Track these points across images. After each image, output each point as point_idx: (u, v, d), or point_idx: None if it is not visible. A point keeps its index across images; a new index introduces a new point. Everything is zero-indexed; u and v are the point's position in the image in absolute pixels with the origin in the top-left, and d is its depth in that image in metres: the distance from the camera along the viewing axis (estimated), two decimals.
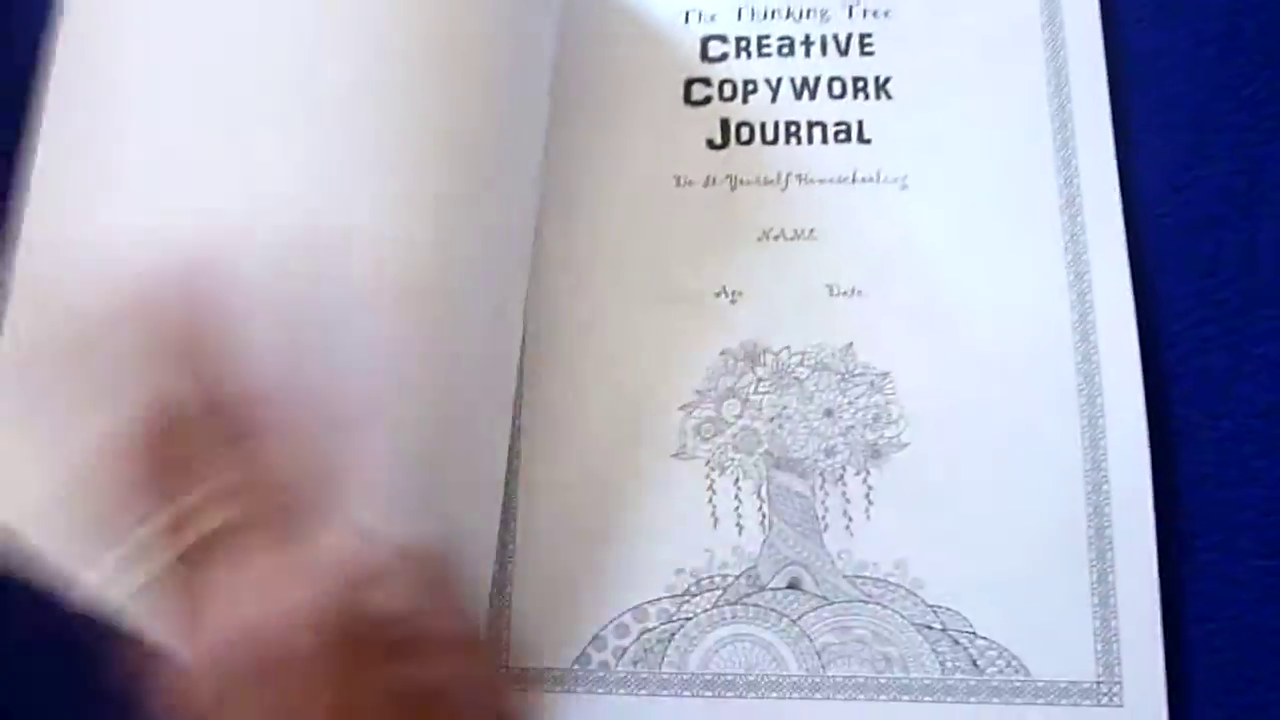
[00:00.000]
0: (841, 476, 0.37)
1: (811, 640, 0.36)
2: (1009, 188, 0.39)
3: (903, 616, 0.36)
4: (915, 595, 0.36)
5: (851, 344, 0.38)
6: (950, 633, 0.36)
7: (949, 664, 0.35)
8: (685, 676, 0.36)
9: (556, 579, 0.37)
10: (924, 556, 0.36)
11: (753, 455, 0.38)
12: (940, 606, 0.36)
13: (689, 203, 0.40)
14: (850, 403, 0.38)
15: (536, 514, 0.38)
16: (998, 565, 0.36)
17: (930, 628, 0.36)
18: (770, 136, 0.41)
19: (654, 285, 0.39)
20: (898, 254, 0.39)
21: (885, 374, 0.38)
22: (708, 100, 0.41)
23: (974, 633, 0.36)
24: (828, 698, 0.36)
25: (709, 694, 0.36)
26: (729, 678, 0.36)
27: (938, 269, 0.39)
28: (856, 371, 0.38)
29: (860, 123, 0.41)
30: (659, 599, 0.37)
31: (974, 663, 0.35)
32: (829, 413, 0.38)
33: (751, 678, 0.36)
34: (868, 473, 0.37)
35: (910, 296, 0.39)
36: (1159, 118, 0.40)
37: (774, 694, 0.36)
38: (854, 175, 0.40)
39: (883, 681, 0.35)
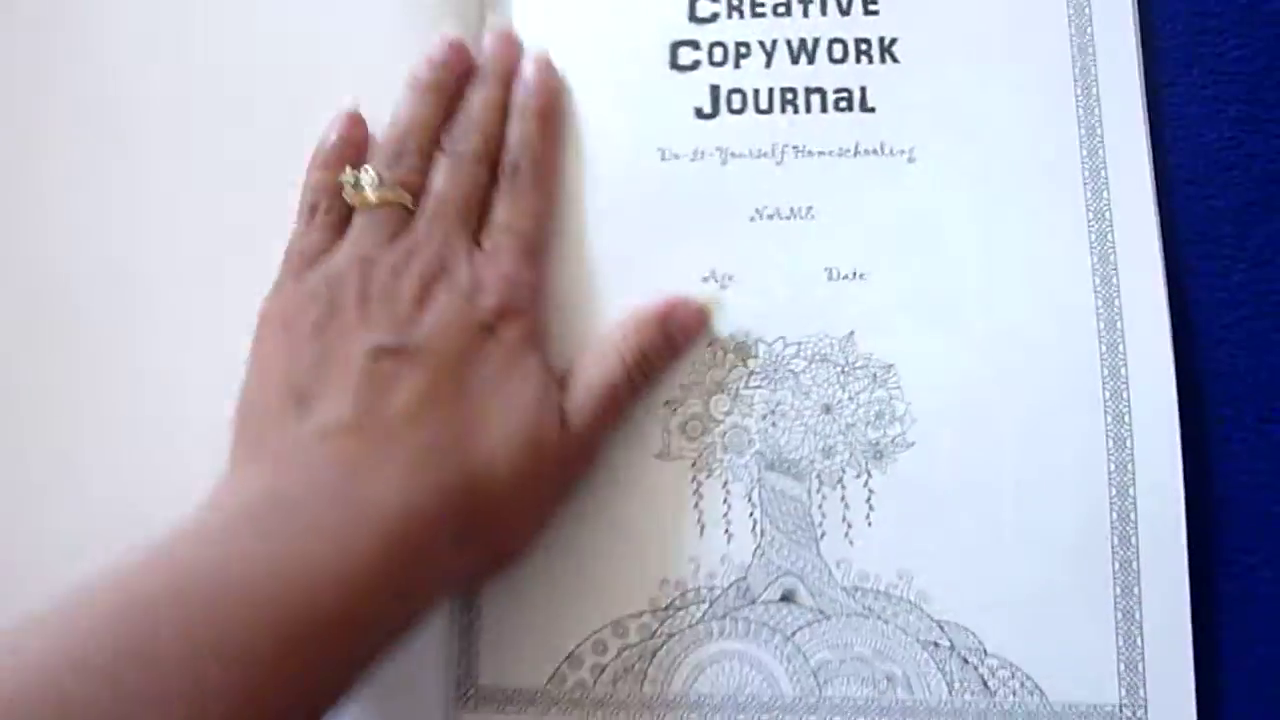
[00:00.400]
0: (840, 479, 0.34)
1: (807, 658, 0.33)
2: (1026, 161, 0.36)
3: (906, 633, 0.33)
4: (920, 609, 0.33)
5: (853, 333, 0.35)
6: (959, 651, 0.33)
7: (957, 685, 0.32)
8: (669, 697, 0.33)
9: (529, 590, 0.34)
10: (930, 567, 0.33)
11: (743, 456, 0.35)
12: (948, 622, 0.33)
13: (674, 178, 0.37)
14: (851, 398, 0.35)
15: None
16: (1011, 577, 0.33)
17: (937, 645, 0.33)
18: (764, 105, 0.37)
19: (635, 270, 0.36)
20: (904, 234, 0.36)
21: (889, 366, 0.35)
22: (696, 65, 0.38)
23: (985, 651, 0.32)
24: None
25: (695, 717, 0.33)
26: (716, 699, 0.33)
27: (948, 251, 0.35)
28: (858, 364, 0.35)
29: (863, 89, 0.37)
30: (640, 613, 0.34)
31: (984, 684, 0.32)
32: (827, 409, 0.35)
33: (741, 699, 0.33)
34: (869, 475, 0.34)
35: (917, 281, 0.35)
36: (1204, 86, 0.36)
37: (765, 716, 0.33)
38: (856, 147, 0.36)
39: (885, 703, 0.32)
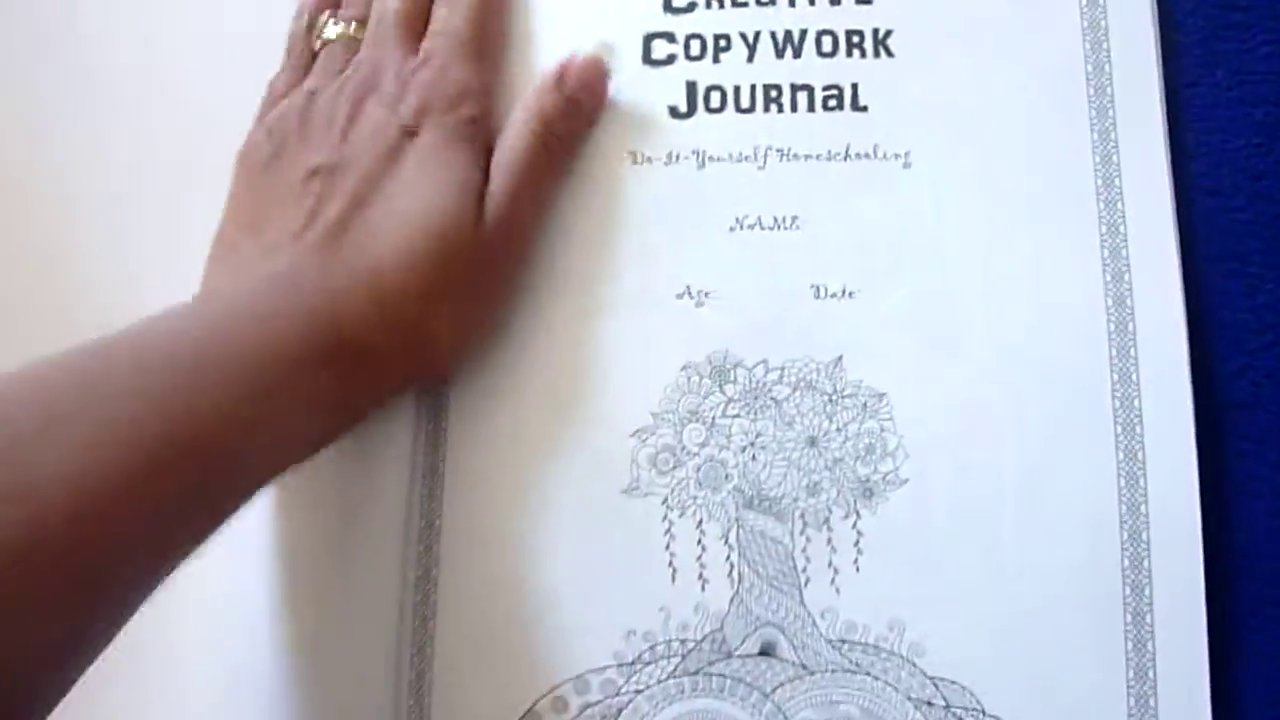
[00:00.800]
0: (827, 520, 0.31)
1: (788, 717, 0.30)
2: (1034, 168, 0.32)
3: (897, 690, 0.30)
4: (913, 664, 0.30)
5: (841, 358, 0.32)
6: (954, 710, 0.30)
7: None
8: None
9: (485, 641, 0.31)
10: (924, 618, 0.30)
11: (719, 492, 0.31)
12: (942, 679, 0.30)
13: (647, 183, 0.33)
14: (839, 430, 0.31)
15: (460, 562, 0.31)
16: (1012, 631, 0.30)
17: (930, 704, 0.30)
18: (746, 103, 0.34)
19: (602, 285, 0.33)
20: (898, 248, 0.32)
21: (881, 395, 0.31)
22: (671, 59, 0.34)
23: (982, 711, 0.29)
24: None
25: None
26: None
27: (946, 267, 0.32)
28: (846, 392, 0.32)
29: (854, 86, 0.34)
30: (604, 667, 0.31)
31: None
32: (813, 441, 0.32)
33: None
34: (858, 515, 0.31)
35: (913, 300, 0.32)
36: (1229, 87, 0.33)
37: None
38: (846, 151, 0.33)
39: None
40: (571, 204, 0.33)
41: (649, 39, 0.34)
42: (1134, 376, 0.31)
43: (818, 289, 0.32)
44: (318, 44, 0.35)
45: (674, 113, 0.34)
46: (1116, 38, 0.33)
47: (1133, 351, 0.31)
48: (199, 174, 0.33)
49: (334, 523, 0.32)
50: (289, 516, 0.33)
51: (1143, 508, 0.30)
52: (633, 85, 0.34)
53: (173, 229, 0.34)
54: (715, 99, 0.34)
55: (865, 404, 0.32)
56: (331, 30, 0.34)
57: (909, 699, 0.30)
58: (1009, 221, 0.32)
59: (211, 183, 0.33)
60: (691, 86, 0.34)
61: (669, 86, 0.34)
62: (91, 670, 0.25)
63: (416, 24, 0.34)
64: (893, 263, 0.32)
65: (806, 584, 0.31)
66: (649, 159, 0.34)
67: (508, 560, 0.31)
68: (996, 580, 0.30)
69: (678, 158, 0.34)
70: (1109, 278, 0.32)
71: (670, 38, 0.34)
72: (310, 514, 0.32)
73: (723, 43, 0.34)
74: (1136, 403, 0.31)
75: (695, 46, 0.34)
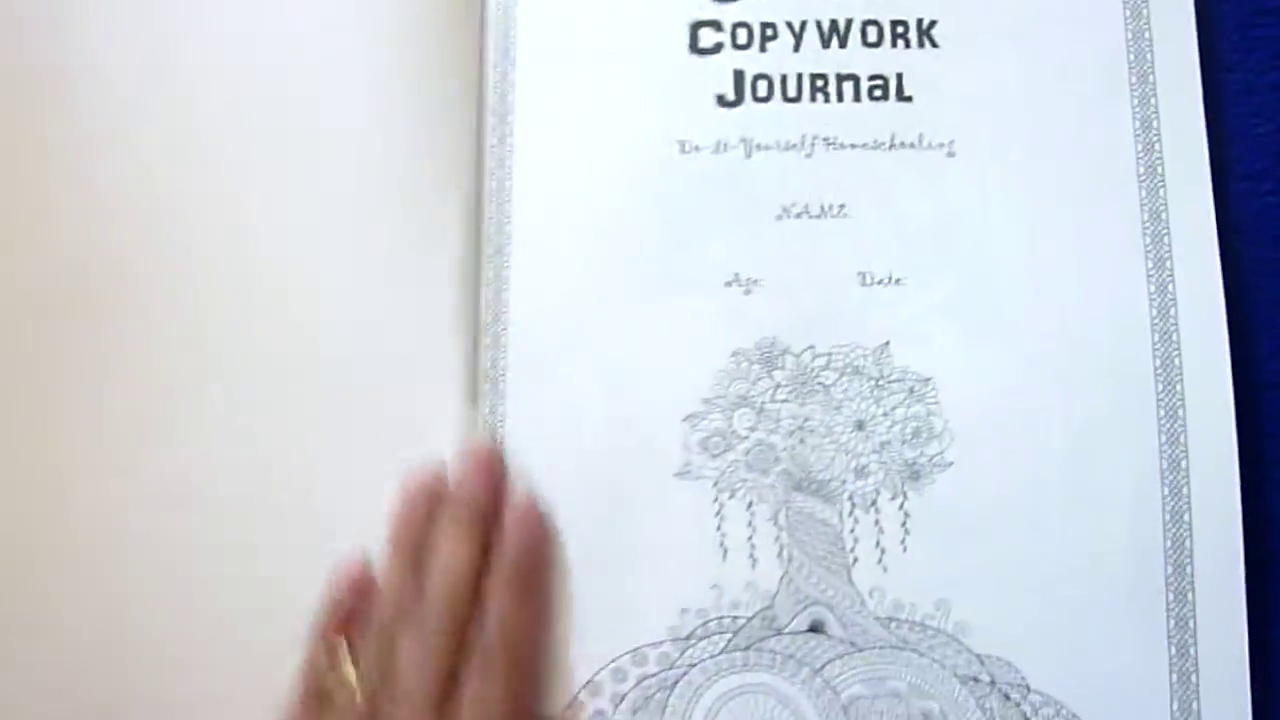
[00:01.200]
0: (874, 501, 0.32)
1: (837, 693, 0.31)
2: (1077, 155, 0.33)
3: (944, 667, 0.31)
4: (959, 642, 0.31)
5: (888, 343, 0.33)
6: (1000, 687, 0.30)
7: None
8: None
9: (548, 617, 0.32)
10: (970, 597, 0.31)
11: (769, 475, 0.32)
12: (988, 655, 0.31)
13: (695, 172, 0.34)
14: (885, 414, 0.32)
15: None
16: (1057, 609, 0.31)
17: (977, 680, 0.31)
18: (792, 92, 0.34)
19: (653, 273, 0.33)
20: (944, 235, 0.33)
21: (927, 380, 0.32)
22: (718, 48, 0.35)
23: (1028, 687, 0.30)
24: None
25: None
26: None
27: (991, 254, 0.33)
28: (893, 376, 0.32)
29: (899, 76, 0.34)
30: (660, 642, 0.32)
31: None
32: (860, 425, 0.32)
33: None
34: (905, 497, 0.32)
35: (958, 287, 0.33)
36: (1264, 71, 0.33)
37: None
38: (892, 140, 0.34)
39: None
40: (622, 193, 0.34)
41: (696, 27, 0.35)
42: (1176, 361, 0.31)
43: (864, 276, 0.33)
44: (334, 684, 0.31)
45: (721, 101, 0.34)
46: (1158, 27, 0.34)
47: (1175, 336, 0.32)
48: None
49: None
50: None
51: (1184, 489, 0.31)
52: (680, 74, 0.35)
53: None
54: (762, 88, 0.34)
55: (912, 388, 0.32)
56: (350, 675, 0.31)
57: (955, 675, 0.31)
58: (1053, 209, 0.33)
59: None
60: (739, 75, 0.34)
61: (716, 75, 0.35)
62: None
63: (443, 688, 0.30)
64: (938, 250, 0.33)
65: (855, 564, 0.32)
66: (697, 148, 0.34)
67: (564, 540, 0.32)
68: (1041, 560, 0.31)
69: (725, 146, 0.34)
70: (1151, 264, 0.32)
71: (717, 26, 0.35)
72: None
73: (769, 32, 0.35)
74: (1179, 387, 0.31)
75: (742, 35, 0.35)
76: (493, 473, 0.32)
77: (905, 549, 0.31)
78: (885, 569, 0.31)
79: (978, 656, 0.31)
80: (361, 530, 0.32)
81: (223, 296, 0.34)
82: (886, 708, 0.31)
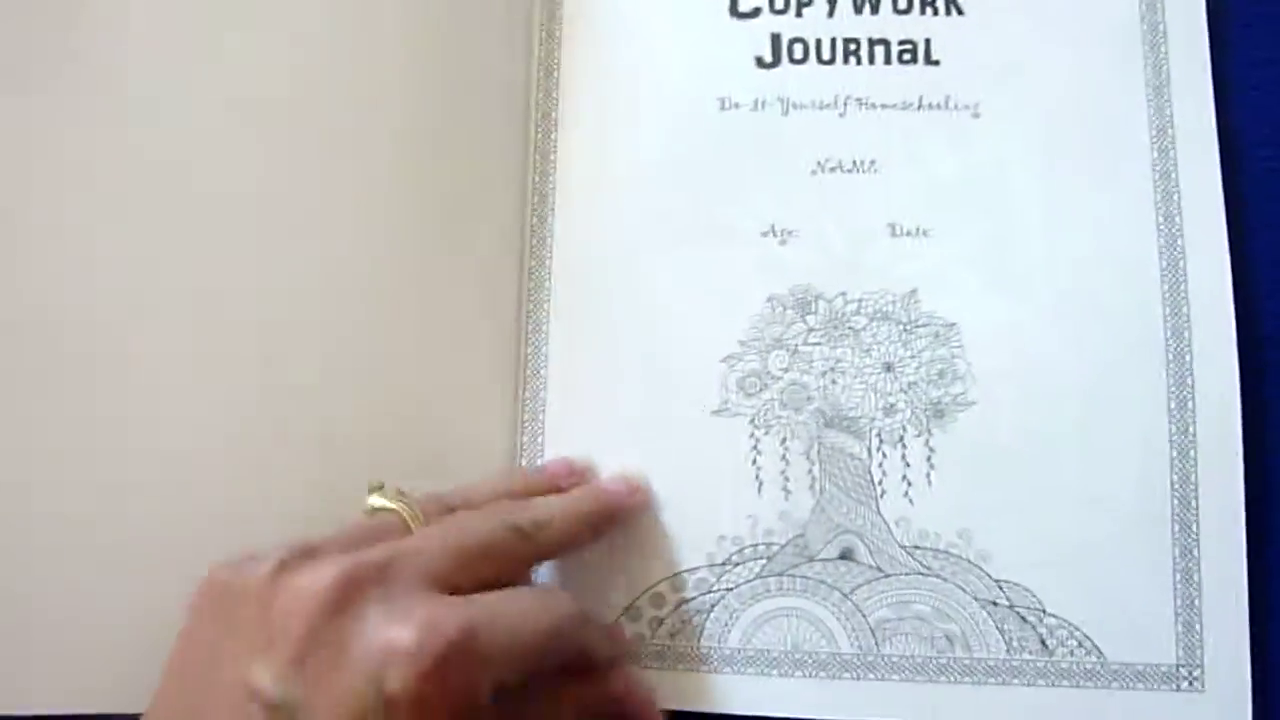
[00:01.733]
0: (901, 438, 0.34)
1: (865, 616, 0.33)
2: (1092, 117, 0.35)
3: (966, 591, 0.33)
4: (980, 569, 0.33)
5: (915, 290, 0.35)
6: (1018, 610, 0.33)
7: (1015, 644, 0.32)
8: (725, 652, 0.33)
9: (588, 546, 0.34)
10: (990, 527, 0.33)
11: (801, 413, 0.34)
12: (1007, 581, 0.33)
13: (734, 129, 0.36)
14: (913, 356, 0.34)
15: None
16: (1071, 538, 0.33)
17: (996, 604, 0.33)
18: (827, 55, 0.36)
19: (694, 222, 0.35)
20: (968, 191, 0.35)
21: (952, 325, 0.34)
22: (757, 12, 0.37)
23: (1043, 610, 0.33)
24: (882, 678, 0.33)
25: (751, 671, 0.33)
26: (774, 655, 0.33)
27: (1012, 208, 0.35)
28: (920, 322, 0.34)
29: (927, 41, 0.36)
30: (697, 568, 0.34)
31: (1043, 643, 0.32)
32: (889, 367, 0.34)
33: (799, 655, 0.33)
34: (930, 434, 0.34)
35: (981, 238, 0.35)
36: (1267, 46, 0.36)
37: (823, 673, 0.33)
38: (920, 101, 0.36)
39: (943, 662, 0.33)
40: (665, 147, 0.36)
41: None
42: (1184, 311, 0.34)
43: (893, 227, 0.35)
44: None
45: (760, 63, 0.36)
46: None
47: (1183, 289, 0.34)
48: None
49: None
50: None
51: (1191, 428, 0.33)
52: (721, 36, 0.37)
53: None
54: (798, 50, 0.36)
55: (938, 333, 0.34)
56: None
57: (976, 599, 0.33)
58: (1070, 168, 0.35)
59: None
60: (776, 39, 0.36)
61: (755, 38, 0.36)
62: None
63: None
64: (963, 204, 0.35)
65: (882, 495, 0.34)
66: (736, 105, 0.36)
67: (606, 473, 0.34)
68: (1057, 494, 0.33)
69: (763, 105, 0.36)
70: (1161, 218, 0.34)
71: None
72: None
73: None
74: (1186, 334, 0.33)
75: (780, 1, 0.37)
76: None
77: (930, 482, 0.33)
78: (911, 501, 0.33)
79: (997, 582, 0.33)
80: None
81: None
82: (912, 630, 0.33)
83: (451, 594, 0.26)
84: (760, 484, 0.34)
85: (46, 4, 0.34)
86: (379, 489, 0.30)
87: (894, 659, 0.33)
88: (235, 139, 0.34)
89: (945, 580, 0.33)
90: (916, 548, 0.33)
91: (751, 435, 0.34)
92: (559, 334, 0.35)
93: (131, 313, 0.33)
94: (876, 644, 0.33)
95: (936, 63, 0.36)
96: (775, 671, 0.33)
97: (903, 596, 0.33)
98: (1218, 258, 0.34)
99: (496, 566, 0.28)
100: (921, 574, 0.33)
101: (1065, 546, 0.33)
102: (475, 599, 0.26)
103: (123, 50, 0.34)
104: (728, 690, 0.33)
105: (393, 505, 0.29)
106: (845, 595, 0.33)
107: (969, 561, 0.33)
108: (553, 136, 0.36)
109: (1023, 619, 0.33)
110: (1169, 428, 0.33)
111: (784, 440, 0.34)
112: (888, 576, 0.33)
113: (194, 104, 0.34)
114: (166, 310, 0.33)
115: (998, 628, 0.33)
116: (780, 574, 0.33)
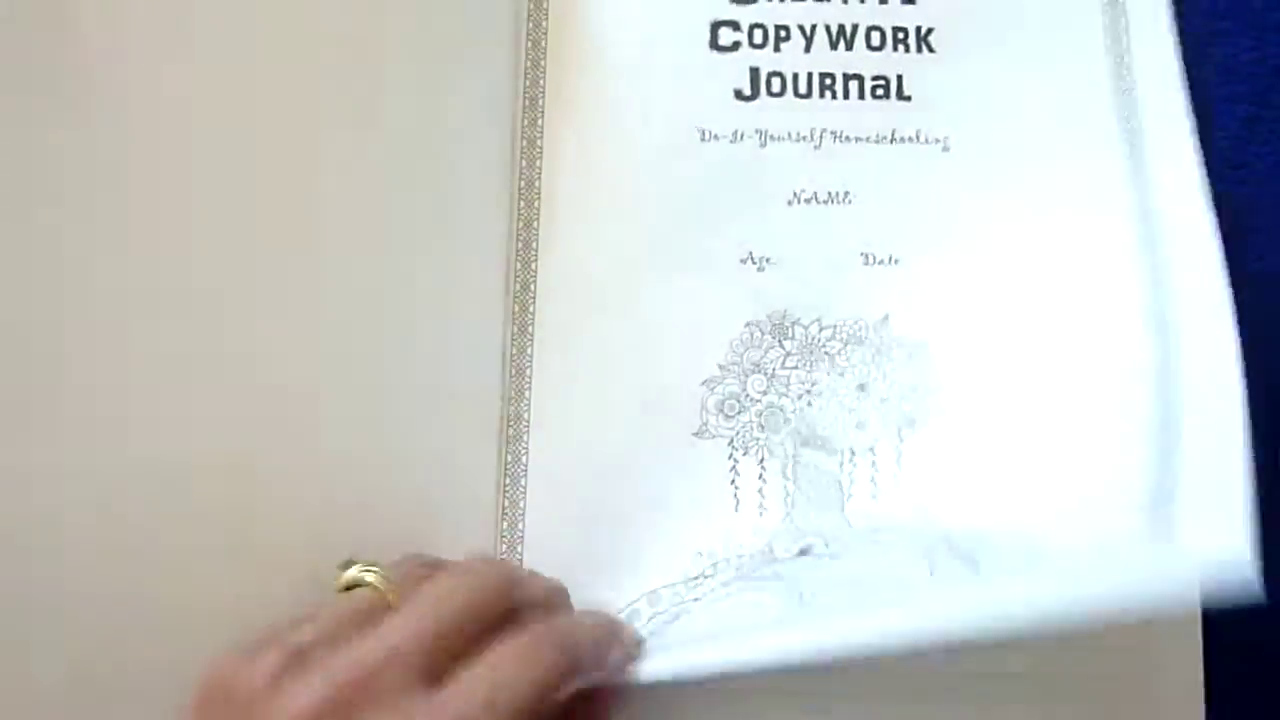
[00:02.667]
0: (872, 447, 0.35)
1: (815, 597, 0.33)
2: (1062, 152, 0.36)
3: (910, 547, 0.33)
4: (929, 522, 0.33)
5: (888, 316, 0.36)
6: (951, 542, 0.33)
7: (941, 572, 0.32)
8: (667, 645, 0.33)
9: (569, 563, 0.35)
10: (950, 505, 0.34)
11: (779, 434, 0.36)
12: (954, 531, 0.33)
13: (714, 159, 0.37)
14: (885, 375, 0.36)
15: (547, 495, 0.35)
16: (1049, 539, 0.33)
17: (934, 548, 0.33)
18: (803, 89, 0.38)
19: (674, 250, 0.37)
20: (938, 220, 0.36)
21: (923, 344, 0.36)
22: (736, 46, 0.38)
23: (986, 539, 0.32)
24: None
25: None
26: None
27: (980, 238, 0.36)
28: (893, 345, 0.36)
29: (900, 77, 0.38)
30: (674, 584, 0.35)
31: (973, 560, 0.32)
32: (863, 387, 0.36)
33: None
34: (900, 439, 0.35)
35: (952, 266, 0.36)
36: (1227, 83, 0.37)
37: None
38: (893, 134, 0.37)
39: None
40: (647, 176, 0.37)
41: (716, 26, 0.38)
42: (1171, 333, 0.32)
43: (867, 256, 0.36)
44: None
45: (739, 95, 0.38)
46: (1136, 34, 0.36)
47: (1168, 317, 0.33)
48: None
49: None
50: None
51: (1177, 419, 0.31)
52: (702, 69, 0.38)
53: None
54: (776, 84, 0.38)
55: (910, 354, 0.36)
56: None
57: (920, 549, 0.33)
58: (1039, 200, 0.36)
59: None
60: (755, 72, 0.38)
61: (734, 71, 0.38)
62: None
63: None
64: (934, 233, 0.36)
65: (849, 499, 0.35)
66: (716, 136, 0.37)
67: (589, 493, 0.35)
68: (1029, 493, 0.33)
69: (742, 136, 0.37)
70: (1142, 247, 0.34)
71: (735, 26, 0.38)
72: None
73: (783, 33, 0.38)
74: (1175, 357, 0.32)
75: (758, 35, 0.38)
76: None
77: (897, 482, 0.35)
78: (876, 500, 0.35)
79: (942, 531, 0.33)
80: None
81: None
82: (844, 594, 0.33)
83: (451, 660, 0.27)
84: (738, 503, 0.35)
85: (47, 4, 0.34)
86: (348, 565, 0.30)
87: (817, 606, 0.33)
88: (227, 145, 0.35)
89: (891, 547, 0.33)
90: (875, 529, 0.34)
91: (730, 456, 0.35)
92: (544, 359, 0.36)
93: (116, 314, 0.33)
94: (801, 600, 0.33)
95: (908, 98, 0.37)
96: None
97: (852, 573, 0.33)
98: (1213, 314, 0.31)
99: (484, 624, 0.28)
100: (872, 548, 0.34)
101: (1039, 543, 0.33)
102: (464, 689, 0.26)
103: (120, 53, 0.34)
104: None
105: (370, 580, 0.29)
106: (798, 584, 0.33)
107: (920, 527, 0.33)
108: (537, 165, 0.38)
109: (950, 545, 0.33)
110: (1153, 434, 0.32)
111: (761, 460, 0.35)
112: (837, 559, 0.34)
113: (190, 109, 0.35)
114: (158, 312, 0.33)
115: (926, 558, 0.33)
116: (745, 578, 0.34)
